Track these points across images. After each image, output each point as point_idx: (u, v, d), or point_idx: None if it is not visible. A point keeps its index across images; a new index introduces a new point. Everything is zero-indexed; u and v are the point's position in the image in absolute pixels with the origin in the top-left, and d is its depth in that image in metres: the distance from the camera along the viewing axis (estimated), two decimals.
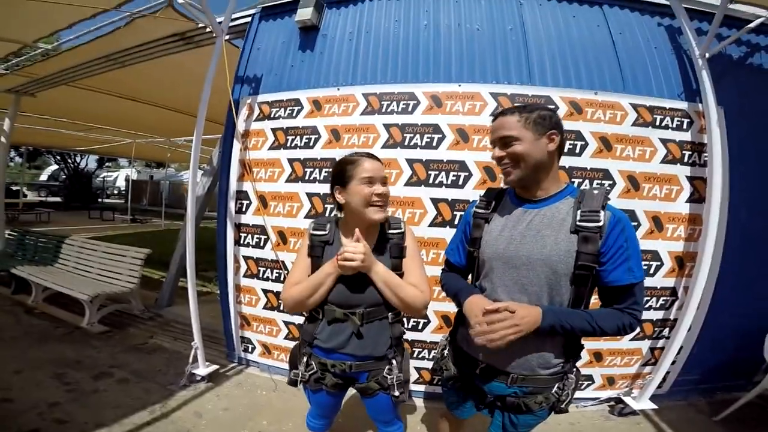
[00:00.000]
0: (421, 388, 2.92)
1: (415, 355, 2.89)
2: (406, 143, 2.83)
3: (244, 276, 3.24)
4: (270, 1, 3.46)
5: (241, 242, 3.22)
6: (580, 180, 2.69)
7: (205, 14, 2.97)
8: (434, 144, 2.79)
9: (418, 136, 2.82)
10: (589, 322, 1.13)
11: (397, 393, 1.46)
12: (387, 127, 2.87)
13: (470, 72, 2.89)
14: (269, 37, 3.43)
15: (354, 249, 1.30)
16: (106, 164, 27.34)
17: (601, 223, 1.12)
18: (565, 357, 1.25)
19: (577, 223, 1.15)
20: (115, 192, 27.04)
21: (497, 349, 1.11)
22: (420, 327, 2.88)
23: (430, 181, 2.79)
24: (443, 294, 1.49)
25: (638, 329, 2.71)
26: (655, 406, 2.68)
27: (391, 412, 1.57)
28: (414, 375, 2.86)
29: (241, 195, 3.21)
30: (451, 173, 2.76)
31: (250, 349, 3.30)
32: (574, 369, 1.32)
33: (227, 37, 3.29)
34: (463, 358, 1.40)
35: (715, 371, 2.98)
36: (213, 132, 5.43)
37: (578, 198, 1.20)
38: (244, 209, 3.20)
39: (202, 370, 2.96)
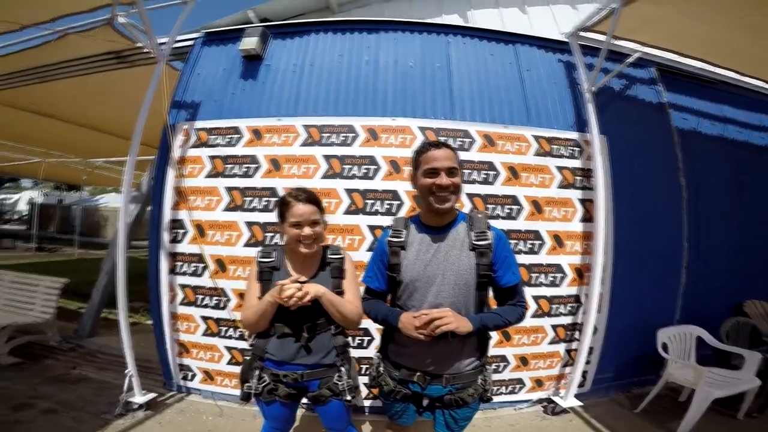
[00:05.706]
0: (368, 402, 3.16)
1: (363, 372, 3.03)
2: (345, 174, 3.20)
3: (181, 304, 3.32)
4: (214, 26, 3.69)
5: (177, 271, 3.32)
6: (493, 206, 3.22)
7: (148, 38, 3.11)
8: (371, 175, 3.19)
9: (356, 167, 3.20)
10: (500, 318, 1.54)
11: (348, 397, 1.75)
12: (327, 158, 3.22)
13: (403, 107, 3.36)
14: (211, 63, 3.67)
15: (300, 293, 1.56)
16: (5, 185, 25.12)
17: (490, 241, 1.54)
18: (479, 352, 1.64)
19: (473, 242, 1.55)
20: (15, 217, 24.85)
21: (437, 355, 1.53)
22: (365, 344, 3.17)
23: (367, 210, 3.16)
24: None
25: (553, 333, 3.29)
26: (581, 404, 3.13)
27: (344, 419, 1.85)
28: (364, 391, 3.12)
29: (176, 224, 3.33)
30: (386, 202, 3.17)
31: (190, 377, 3.36)
32: (487, 363, 1.72)
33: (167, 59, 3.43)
34: (400, 371, 1.69)
35: (627, 368, 3.56)
36: (141, 153, 5.41)
37: (469, 222, 1.61)
38: (179, 238, 3.32)
39: (139, 398, 2.99)
